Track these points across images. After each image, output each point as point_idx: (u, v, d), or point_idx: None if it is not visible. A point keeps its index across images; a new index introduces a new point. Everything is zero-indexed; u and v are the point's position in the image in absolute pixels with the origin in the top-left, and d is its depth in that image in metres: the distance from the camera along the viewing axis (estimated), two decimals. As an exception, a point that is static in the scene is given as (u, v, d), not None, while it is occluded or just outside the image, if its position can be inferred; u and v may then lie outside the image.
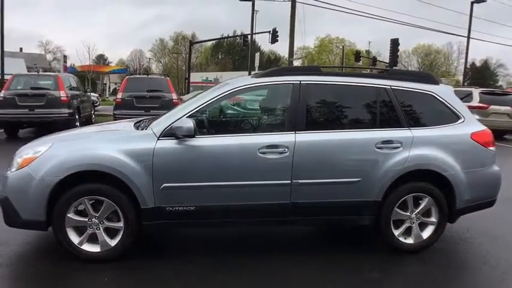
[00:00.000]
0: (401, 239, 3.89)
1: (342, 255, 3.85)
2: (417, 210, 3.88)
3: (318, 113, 3.96)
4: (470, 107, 5.09)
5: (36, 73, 13.00)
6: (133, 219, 3.50)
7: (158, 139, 3.52)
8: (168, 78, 13.46)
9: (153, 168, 3.45)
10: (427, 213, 3.91)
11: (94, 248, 3.53)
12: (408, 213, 3.88)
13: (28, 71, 24.00)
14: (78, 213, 3.51)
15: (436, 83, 4.17)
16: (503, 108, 13.47)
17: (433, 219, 3.91)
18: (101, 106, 25.20)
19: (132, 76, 15.44)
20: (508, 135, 14.59)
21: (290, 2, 22.13)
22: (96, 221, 3.50)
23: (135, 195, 3.45)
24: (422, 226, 3.93)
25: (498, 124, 12.57)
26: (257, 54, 31.01)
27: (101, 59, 61.10)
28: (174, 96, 12.05)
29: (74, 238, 3.49)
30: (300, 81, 3.82)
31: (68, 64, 30.60)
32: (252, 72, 19.19)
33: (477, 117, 4.83)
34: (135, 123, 4.15)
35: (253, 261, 3.67)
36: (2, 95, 10.96)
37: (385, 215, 3.79)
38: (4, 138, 11.25)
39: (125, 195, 3.46)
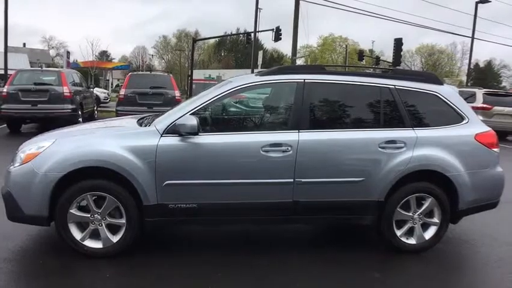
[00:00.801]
0: (404, 239, 3.89)
1: (343, 255, 3.85)
2: (420, 211, 3.87)
3: (321, 111, 3.95)
4: (473, 108, 5.07)
5: (40, 69, 13.01)
6: (136, 216, 3.50)
7: (161, 136, 3.52)
8: (171, 75, 13.46)
9: (156, 165, 3.45)
10: (429, 213, 3.91)
11: (96, 244, 3.54)
12: (411, 214, 3.87)
13: (31, 67, 24.01)
14: (81, 209, 3.51)
15: (440, 83, 4.16)
16: (506, 109, 13.43)
17: (436, 220, 3.90)
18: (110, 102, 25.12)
19: (135, 73, 15.43)
20: (510, 136, 14.54)
21: (294, 0, 22.08)
22: (99, 217, 3.51)
23: (138, 192, 3.46)
24: (425, 227, 3.92)
25: (501, 125, 12.52)
26: (260, 53, 30.95)
27: (104, 55, 61.09)
28: (177, 93, 12.04)
29: (76, 234, 3.50)
30: (304, 79, 3.81)
31: (71, 60, 30.53)
32: (255, 70, 19.13)
33: (480, 118, 4.81)
34: (138, 120, 4.15)
35: (255, 259, 3.67)
36: (5, 90, 10.98)
37: (387, 215, 3.79)
38: (7, 133, 11.28)
39: (127, 192, 3.47)
